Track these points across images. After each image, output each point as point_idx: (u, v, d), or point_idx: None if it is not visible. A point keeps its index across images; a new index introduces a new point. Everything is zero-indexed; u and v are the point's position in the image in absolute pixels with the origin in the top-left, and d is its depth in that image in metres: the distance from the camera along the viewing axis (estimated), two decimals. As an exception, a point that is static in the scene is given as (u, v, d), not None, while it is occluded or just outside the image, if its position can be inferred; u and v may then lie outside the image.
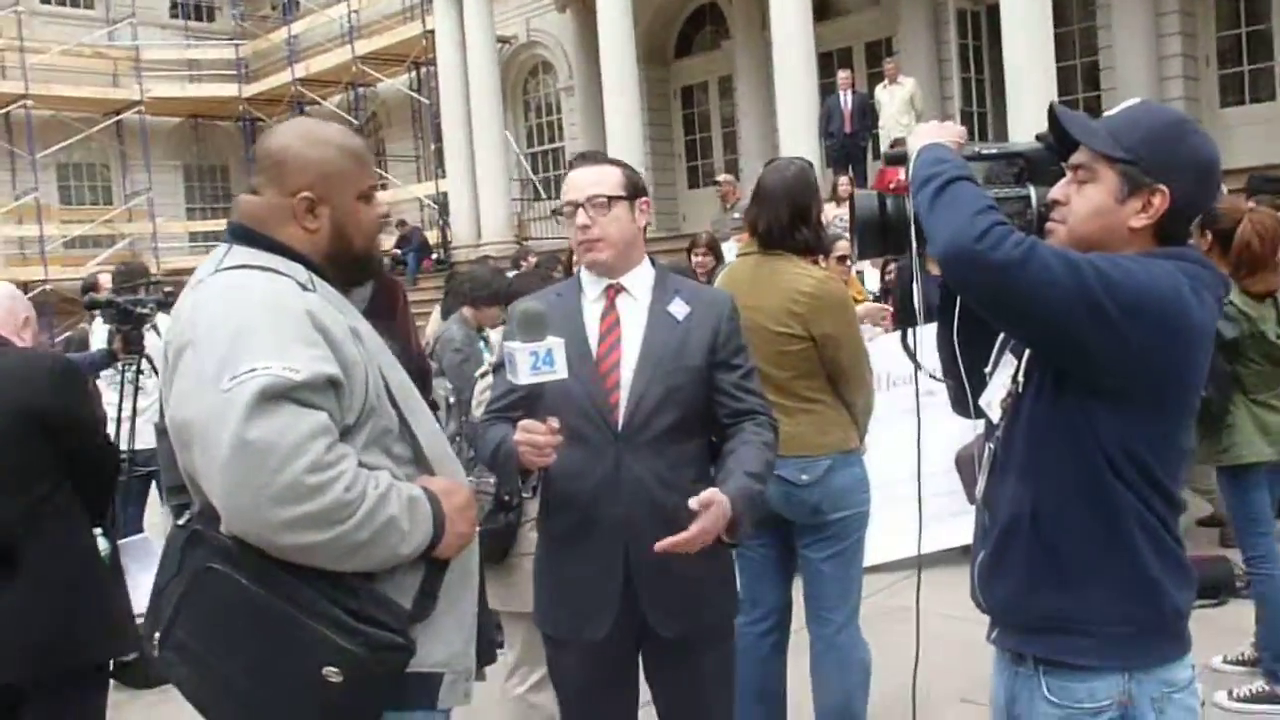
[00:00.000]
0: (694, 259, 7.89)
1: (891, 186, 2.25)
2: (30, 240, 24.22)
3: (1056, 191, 2.05)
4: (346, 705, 1.89)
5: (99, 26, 26.31)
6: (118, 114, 25.44)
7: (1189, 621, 2.04)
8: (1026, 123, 11.24)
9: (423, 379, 4.44)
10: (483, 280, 6.20)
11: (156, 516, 6.51)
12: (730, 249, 8.50)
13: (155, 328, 5.56)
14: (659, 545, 2.47)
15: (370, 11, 23.61)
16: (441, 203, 21.33)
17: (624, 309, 2.79)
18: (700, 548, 2.50)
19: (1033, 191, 2.10)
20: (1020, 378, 2.07)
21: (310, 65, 24.18)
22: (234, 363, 1.84)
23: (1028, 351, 2.06)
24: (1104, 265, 1.86)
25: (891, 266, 7.53)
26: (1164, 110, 2.12)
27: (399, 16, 22.72)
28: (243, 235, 2.09)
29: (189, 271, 2.16)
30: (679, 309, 2.77)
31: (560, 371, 2.35)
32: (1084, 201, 1.99)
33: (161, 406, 2.10)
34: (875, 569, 4.83)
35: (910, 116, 13.69)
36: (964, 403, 2.26)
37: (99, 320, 6.47)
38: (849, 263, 6.33)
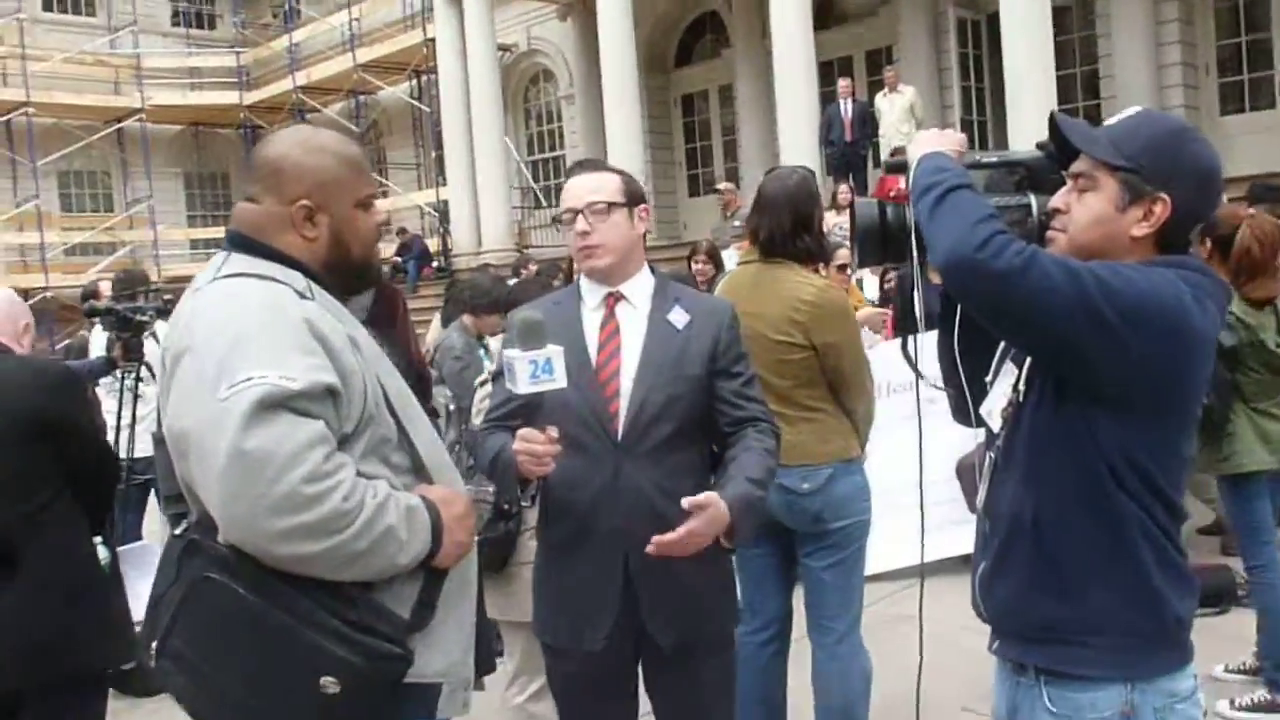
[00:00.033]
0: (694, 267, 7.89)
1: (892, 195, 2.25)
2: (31, 248, 24.24)
3: (1057, 200, 2.04)
4: (344, 716, 1.88)
5: (101, 34, 26.36)
6: (119, 121, 25.48)
7: (1191, 631, 2.04)
8: (1026, 131, 11.24)
9: (423, 387, 4.43)
10: (483, 288, 6.19)
11: (155, 524, 6.50)
12: (730, 257, 8.50)
13: (155, 335, 5.56)
14: (652, 544, 2.45)
15: (371, 19, 23.68)
16: (442, 210, 21.36)
17: (623, 317, 2.78)
18: (694, 551, 2.49)
19: (1033, 200, 2.10)
20: (1021, 386, 2.07)
21: (311, 73, 24.22)
22: (231, 371, 1.83)
23: (1029, 360, 2.06)
24: (1104, 273, 1.85)
25: (891, 275, 7.52)
26: (1165, 118, 2.12)
27: (400, 25, 22.77)
28: (241, 243, 2.09)
29: (190, 279, 2.16)
30: (679, 317, 2.76)
31: (559, 380, 2.34)
32: (1085, 210, 1.99)
33: (159, 414, 2.09)
34: (875, 578, 4.82)
35: (910, 125, 13.72)
36: (965, 411, 2.26)
37: (99, 328, 6.48)
38: (849, 271, 6.34)
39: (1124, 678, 1.96)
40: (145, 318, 5.44)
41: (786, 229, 3.68)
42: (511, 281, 7.46)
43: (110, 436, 5.13)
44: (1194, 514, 5.98)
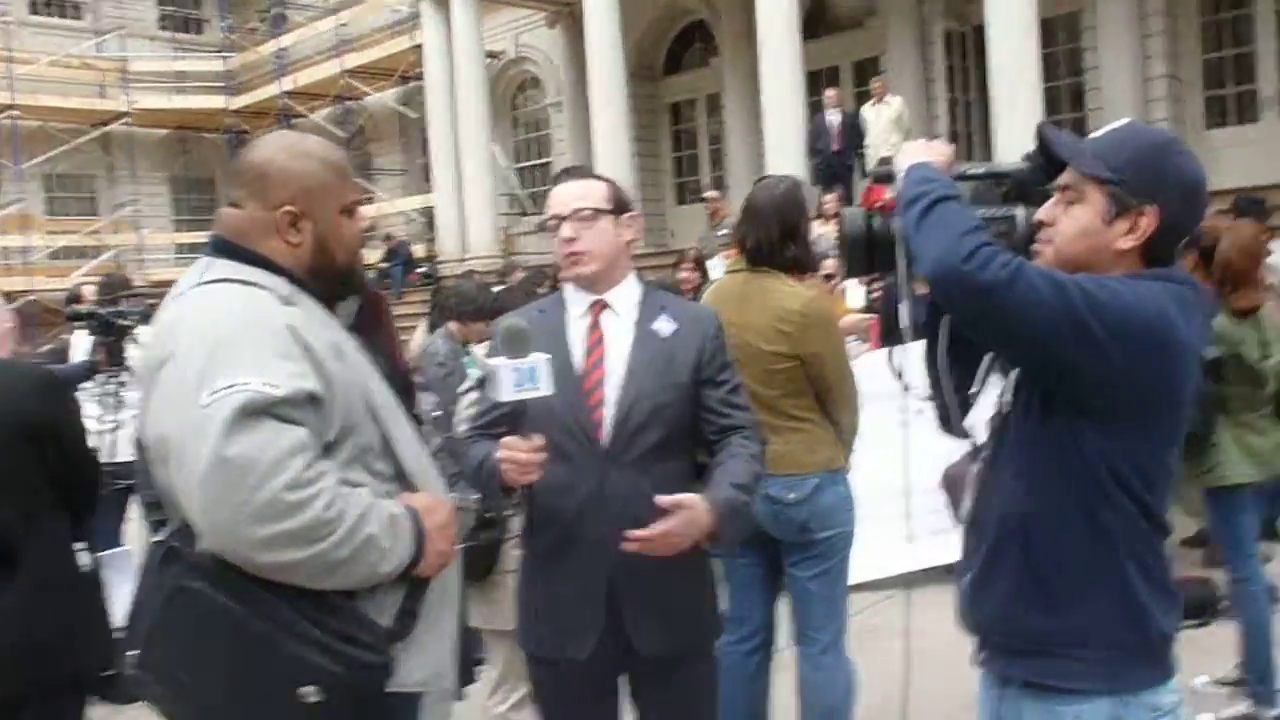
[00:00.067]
0: (680, 275, 7.89)
1: (878, 205, 2.25)
2: (15, 251, 24.11)
3: (1044, 212, 2.05)
4: (325, 725, 1.87)
5: (87, 37, 26.26)
6: (105, 125, 25.37)
7: (1174, 644, 2.04)
8: (1013, 143, 11.29)
9: (407, 393, 4.42)
10: (468, 295, 6.18)
11: (136, 529, 6.45)
12: (717, 265, 8.51)
13: (137, 340, 5.54)
14: (628, 539, 2.44)
15: (359, 25, 23.62)
16: (428, 216, 21.32)
17: (608, 325, 2.77)
18: (672, 551, 2.48)
19: (1020, 212, 2.10)
20: (1007, 398, 2.07)
21: (298, 78, 24.17)
22: (213, 378, 1.82)
23: (1015, 372, 2.06)
24: (1090, 286, 1.86)
25: (877, 285, 7.55)
26: (1151, 131, 2.12)
27: (388, 30, 22.74)
28: (224, 248, 2.08)
29: (175, 283, 2.14)
30: (664, 326, 2.75)
31: (544, 388, 2.34)
32: (1071, 222, 1.99)
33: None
34: (858, 587, 4.81)
35: (898, 135, 13.73)
36: (950, 422, 2.26)
37: (81, 332, 6.45)
38: (835, 281, 6.36)
39: (1108, 691, 1.96)
40: (128, 322, 5.41)
41: (774, 238, 3.68)
42: (497, 288, 7.45)
43: (92, 441, 5.09)
44: (1177, 526, 5.99)
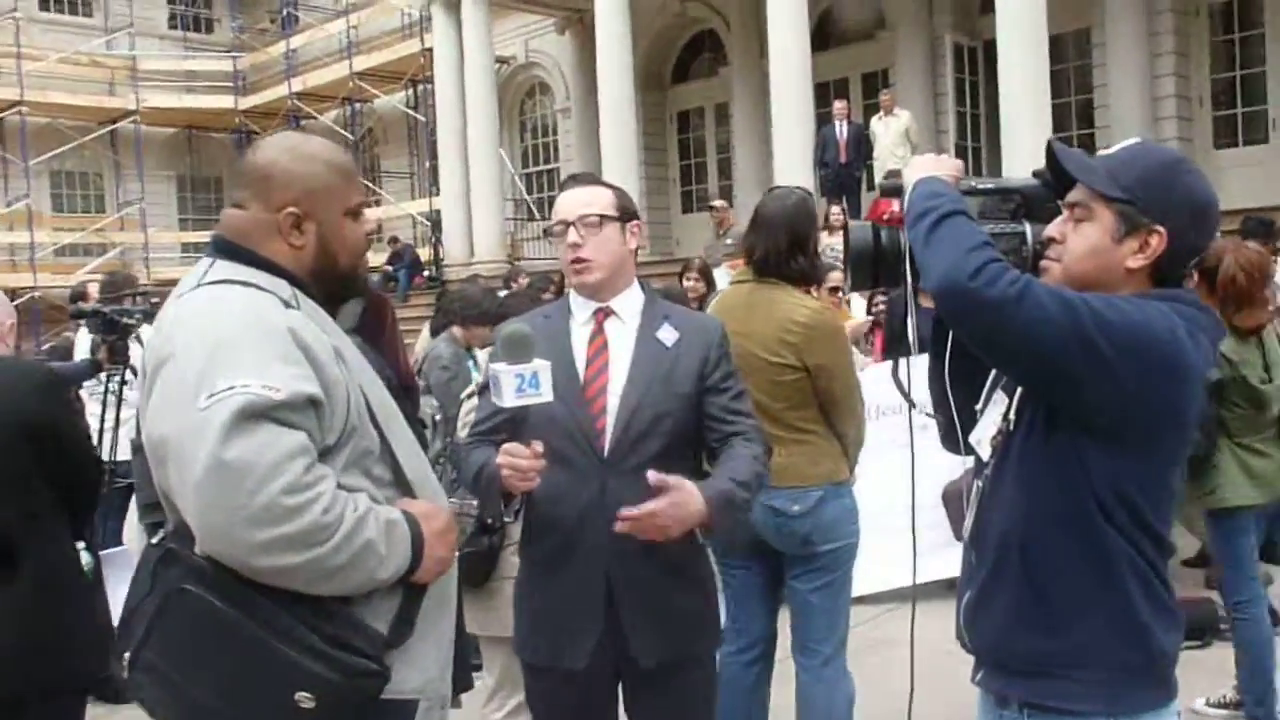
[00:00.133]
0: (685, 284, 7.88)
1: (885, 217, 2.24)
2: (21, 247, 24.12)
3: (1052, 229, 2.03)
4: (319, 731, 1.85)
5: (97, 35, 26.31)
6: (113, 123, 25.41)
7: (1176, 666, 2.02)
8: (1021, 158, 11.27)
9: (410, 397, 4.41)
10: (473, 299, 6.18)
11: (135, 529, 6.44)
12: (722, 275, 8.49)
13: (140, 338, 5.53)
14: (619, 519, 2.43)
15: (369, 28, 23.67)
16: (434, 220, 21.32)
17: (612, 333, 2.76)
18: (662, 536, 2.47)
19: (1028, 228, 2.09)
20: (1011, 415, 2.06)
21: (307, 79, 24.19)
22: (213, 380, 1.81)
23: (1019, 389, 2.04)
24: (1099, 305, 1.84)
25: (879, 299, 7.55)
26: (1161, 150, 2.11)
27: (398, 34, 22.77)
28: (227, 249, 2.07)
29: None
30: (668, 335, 2.75)
31: (545, 394, 2.33)
32: (1080, 240, 1.98)
33: (139, 421, 2.07)
34: (859, 600, 4.80)
35: (905, 149, 13.73)
36: (954, 438, 2.24)
37: (84, 330, 6.45)
38: (841, 293, 6.35)
39: (1108, 712, 1.94)
40: (132, 321, 5.41)
41: (782, 249, 3.68)
42: (502, 293, 7.45)
43: (93, 439, 5.09)
44: (1180, 546, 5.97)
